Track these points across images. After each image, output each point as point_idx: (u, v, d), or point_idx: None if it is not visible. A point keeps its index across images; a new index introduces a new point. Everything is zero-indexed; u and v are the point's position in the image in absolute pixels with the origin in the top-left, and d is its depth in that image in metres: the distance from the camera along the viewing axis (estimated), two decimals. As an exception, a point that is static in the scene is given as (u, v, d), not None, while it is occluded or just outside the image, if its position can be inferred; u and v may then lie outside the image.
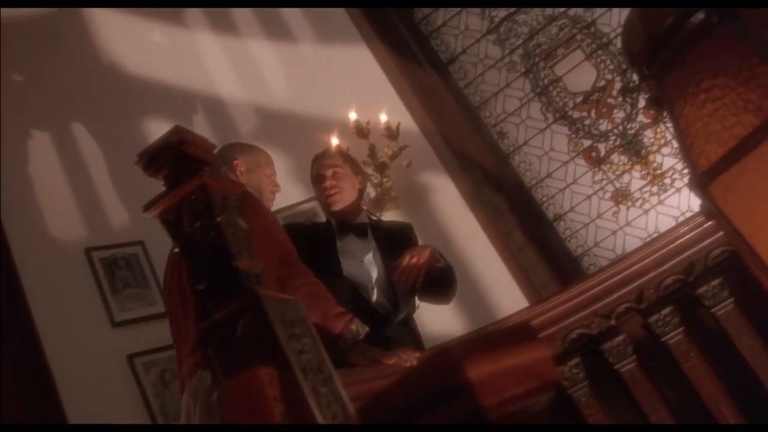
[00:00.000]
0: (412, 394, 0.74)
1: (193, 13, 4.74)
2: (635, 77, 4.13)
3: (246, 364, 1.58)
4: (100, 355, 3.49)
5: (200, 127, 4.31)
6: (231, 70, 4.67)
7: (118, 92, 4.30)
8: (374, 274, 3.09)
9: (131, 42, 4.48)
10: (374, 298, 3.05)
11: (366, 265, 3.12)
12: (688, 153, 1.32)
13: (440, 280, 3.03)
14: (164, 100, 4.40)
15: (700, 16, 1.29)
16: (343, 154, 3.44)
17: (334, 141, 4.25)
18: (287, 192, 4.33)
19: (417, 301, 3.19)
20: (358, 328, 2.47)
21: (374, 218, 3.42)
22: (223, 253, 1.72)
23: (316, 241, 3.14)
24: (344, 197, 3.21)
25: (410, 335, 3.10)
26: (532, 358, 0.72)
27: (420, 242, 3.28)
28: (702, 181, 1.28)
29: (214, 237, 1.73)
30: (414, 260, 2.90)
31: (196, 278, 1.80)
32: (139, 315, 3.66)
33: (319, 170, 3.31)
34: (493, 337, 0.72)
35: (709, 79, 1.26)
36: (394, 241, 3.18)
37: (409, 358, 2.38)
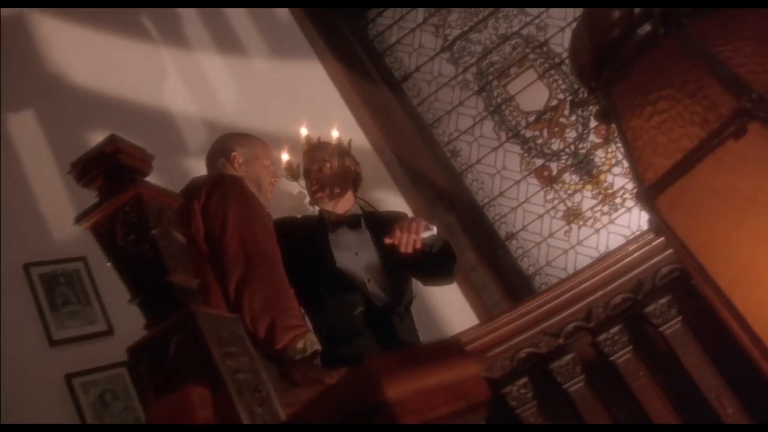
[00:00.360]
0: (329, 414, 0.68)
1: (144, 25, 4.65)
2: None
3: (178, 383, 1.51)
4: (37, 375, 3.36)
5: (148, 140, 4.17)
6: (181, 84, 4.59)
7: (62, 102, 4.18)
8: (369, 264, 3.02)
9: (79, 52, 4.37)
10: (370, 289, 2.97)
11: (360, 256, 3.04)
12: (635, 166, 1.29)
13: (439, 252, 2.89)
14: (111, 111, 4.29)
15: (647, 27, 1.27)
16: (333, 146, 3.32)
17: (285, 157, 4.19)
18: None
19: (414, 292, 3.13)
20: (306, 345, 2.37)
21: (369, 209, 3.32)
22: (157, 267, 1.64)
23: (308, 235, 3.06)
24: (331, 192, 3.11)
25: (410, 327, 3.03)
26: (459, 376, 0.67)
27: None
28: (649, 195, 1.25)
29: (149, 250, 1.66)
30: (414, 224, 2.79)
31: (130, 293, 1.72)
32: (79, 333, 3.53)
33: (306, 165, 3.24)
34: (416, 354, 0.67)
35: (655, 91, 1.23)
36: (389, 230, 3.04)
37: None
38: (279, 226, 2.83)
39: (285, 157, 4.23)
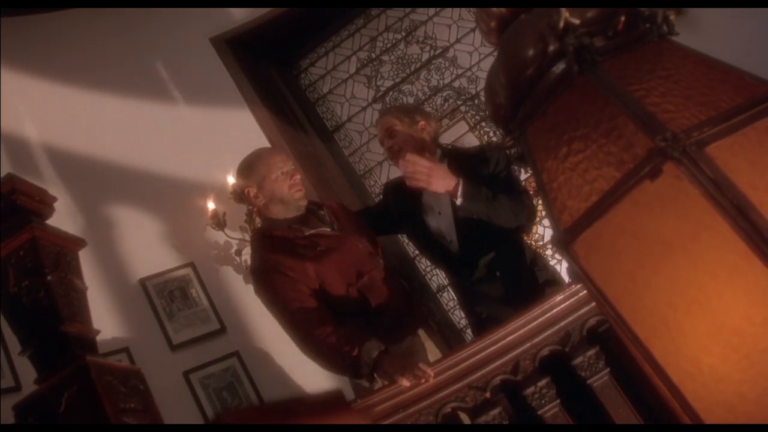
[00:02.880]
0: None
1: (70, 68, 4.53)
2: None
3: (68, 443, 1.38)
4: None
5: (70, 186, 4.07)
6: (106, 129, 4.46)
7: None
8: (451, 222, 3.03)
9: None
10: (454, 247, 3.03)
11: (443, 215, 3.06)
12: (551, 209, 1.24)
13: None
14: (33, 155, 4.16)
15: (561, 66, 1.24)
16: (399, 111, 3.20)
17: (211, 206, 4.09)
18: (160, 257, 4.12)
19: (526, 254, 3.13)
20: (366, 357, 2.44)
21: (448, 147, 3.26)
22: (52, 316, 1.53)
23: (402, 200, 3.15)
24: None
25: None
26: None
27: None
28: (565, 239, 1.20)
29: (43, 298, 1.54)
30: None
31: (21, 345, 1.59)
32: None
33: (378, 136, 3.23)
34: (291, 408, 0.59)
35: (570, 131, 1.20)
36: (468, 167, 3.00)
37: (425, 375, 2.23)
38: (386, 189, 3.32)
39: (211, 206, 4.12)
